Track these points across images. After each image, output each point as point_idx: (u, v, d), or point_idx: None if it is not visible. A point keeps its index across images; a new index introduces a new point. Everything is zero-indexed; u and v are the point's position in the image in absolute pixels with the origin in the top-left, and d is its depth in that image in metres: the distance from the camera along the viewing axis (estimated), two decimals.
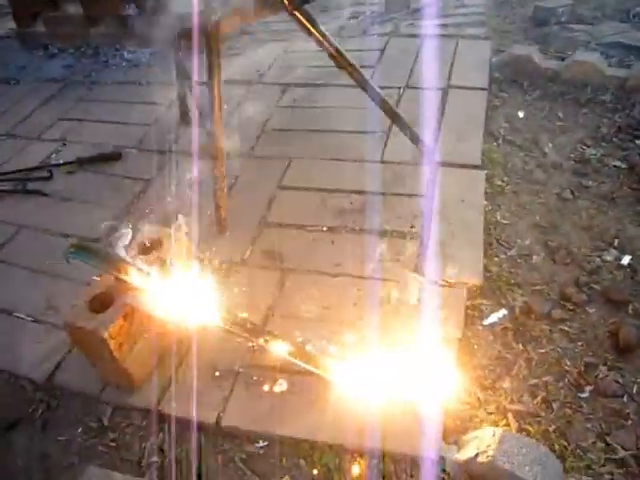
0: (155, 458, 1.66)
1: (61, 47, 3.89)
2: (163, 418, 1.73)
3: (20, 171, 2.74)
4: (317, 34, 2.00)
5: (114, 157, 2.76)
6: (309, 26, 1.96)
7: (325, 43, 2.04)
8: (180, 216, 1.97)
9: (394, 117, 2.32)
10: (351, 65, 2.14)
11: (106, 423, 1.75)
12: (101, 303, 1.69)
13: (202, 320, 1.69)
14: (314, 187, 2.42)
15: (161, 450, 1.68)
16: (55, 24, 3.81)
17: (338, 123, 2.78)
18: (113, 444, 1.70)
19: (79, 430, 1.75)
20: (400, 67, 3.07)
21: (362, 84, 2.22)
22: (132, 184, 2.60)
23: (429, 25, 3.51)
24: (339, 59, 2.12)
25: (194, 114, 2.80)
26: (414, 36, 3.41)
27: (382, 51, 3.25)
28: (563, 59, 2.98)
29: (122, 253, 1.72)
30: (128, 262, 1.68)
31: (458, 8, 3.66)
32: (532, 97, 2.89)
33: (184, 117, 2.92)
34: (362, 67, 3.02)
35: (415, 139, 2.40)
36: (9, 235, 2.42)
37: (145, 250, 1.84)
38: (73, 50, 3.86)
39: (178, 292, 1.65)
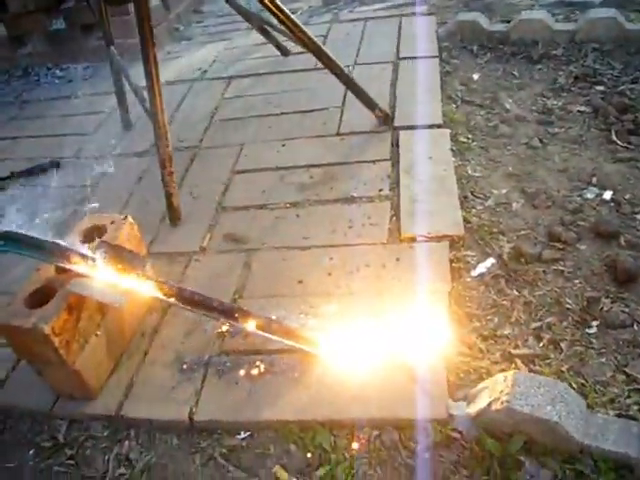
0: (122, 470, 1.43)
1: None
2: (127, 424, 1.50)
3: None
4: None
5: (51, 167, 2.54)
6: None
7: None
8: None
9: (348, 82, 2.19)
10: (294, 23, 1.98)
11: (61, 440, 1.51)
12: (41, 300, 1.47)
13: (156, 299, 1.50)
14: (270, 167, 2.25)
15: (128, 460, 1.45)
16: None
17: (287, 106, 2.63)
18: (71, 462, 1.47)
19: (30, 453, 1.51)
20: (346, 48, 2.95)
21: (307, 44, 2.07)
22: (73, 192, 2.39)
23: (369, 10, 3.43)
24: (280, 15, 1.95)
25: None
26: (355, 20, 3.32)
27: (325, 37, 3.14)
28: (509, 22, 2.93)
29: (60, 240, 1.52)
30: (68, 248, 1.48)
31: None
32: (484, 60, 2.81)
33: (125, 121, 2.75)
34: (307, 53, 2.96)
35: (371, 105, 2.28)
36: None
37: (87, 237, 1.63)
38: (1, 74, 3.64)
39: (126, 276, 1.45)
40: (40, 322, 1.36)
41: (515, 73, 2.69)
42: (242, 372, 1.52)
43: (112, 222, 1.67)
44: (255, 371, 1.51)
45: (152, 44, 1.74)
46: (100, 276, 1.44)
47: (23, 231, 1.49)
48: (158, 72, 1.83)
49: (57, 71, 3.57)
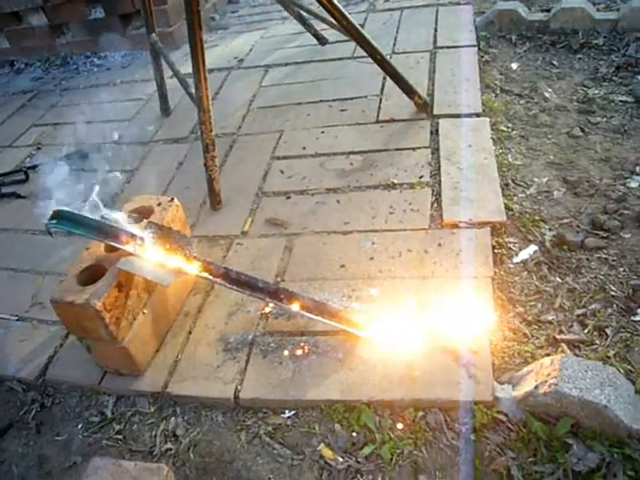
0: (169, 445, 1.46)
1: (28, 61, 3.76)
2: (173, 401, 1.53)
3: None
4: None
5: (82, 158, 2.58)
6: None
7: None
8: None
9: (388, 70, 2.19)
10: (337, 10, 1.98)
11: (109, 415, 1.55)
12: (91, 277, 1.50)
13: (200, 280, 1.53)
14: (310, 154, 2.26)
15: (174, 436, 1.48)
16: (19, 38, 3.68)
17: (325, 94, 2.64)
18: (119, 436, 1.50)
19: (79, 426, 1.55)
20: (383, 37, 2.95)
21: (350, 30, 2.06)
22: (115, 176, 2.43)
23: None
24: (324, 1, 1.95)
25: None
26: (392, 10, 3.31)
27: (362, 26, 3.11)
28: (549, 11, 2.89)
29: (111, 219, 1.55)
30: (118, 227, 1.51)
31: None
32: (523, 50, 2.79)
33: (164, 107, 2.78)
34: (344, 42, 2.97)
35: (411, 93, 2.27)
36: None
37: (135, 217, 1.66)
38: (40, 62, 3.72)
39: (174, 256, 1.48)
40: (92, 298, 1.40)
41: (555, 62, 2.67)
42: (286, 352, 1.54)
43: (159, 203, 1.71)
44: (299, 351, 1.53)
45: (200, 27, 1.77)
46: (149, 256, 1.48)
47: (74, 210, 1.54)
48: (204, 56, 1.85)
49: (95, 59, 3.63)
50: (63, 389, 1.65)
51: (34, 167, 2.60)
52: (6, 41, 3.75)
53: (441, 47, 2.79)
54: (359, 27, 2.08)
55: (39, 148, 2.80)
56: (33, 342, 1.76)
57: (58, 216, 1.51)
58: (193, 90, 1.96)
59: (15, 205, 2.42)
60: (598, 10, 2.84)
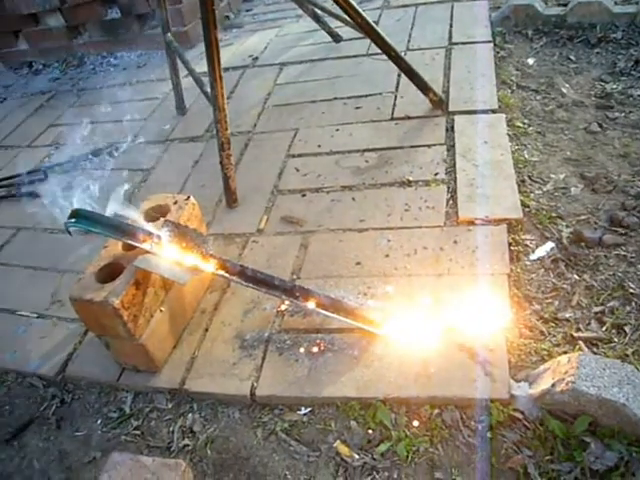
0: (186, 441, 1.48)
1: (45, 62, 3.81)
2: (190, 397, 1.55)
3: (13, 177, 2.60)
4: None
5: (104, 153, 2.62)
6: None
7: None
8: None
9: (403, 66, 2.18)
10: (351, 6, 1.98)
11: (127, 411, 1.57)
12: (109, 275, 1.52)
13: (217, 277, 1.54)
14: (325, 152, 2.27)
15: (192, 432, 1.49)
16: (37, 39, 3.73)
17: (340, 91, 2.64)
18: (137, 432, 1.52)
19: (98, 422, 1.57)
20: (397, 33, 2.94)
21: (364, 26, 2.06)
22: (132, 175, 2.46)
23: None
24: None
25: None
26: (406, 6, 3.30)
27: (376, 22, 3.12)
28: (566, 5, 2.86)
29: (129, 218, 1.57)
30: (135, 226, 1.53)
31: None
32: (539, 45, 2.76)
33: (179, 106, 2.81)
34: (358, 39, 2.97)
35: (426, 89, 2.26)
36: (7, 238, 2.29)
37: (151, 216, 1.68)
38: (58, 63, 3.77)
39: (191, 254, 1.49)
40: (111, 296, 1.41)
41: (572, 57, 2.64)
42: (302, 350, 1.55)
43: (175, 202, 1.72)
44: (315, 349, 1.54)
45: (214, 26, 1.78)
46: (165, 254, 1.49)
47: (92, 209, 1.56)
48: (219, 54, 1.86)
49: (112, 59, 3.67)
50: (82, 385, 1.68)
51: (53, 167, 2.64)
52: (25, 42, 3.80)
53: (456, 43, 2.77)
54: (373, 24, 2.07)
55: (57, 148, 2.83)
56: (53, 339, 1.79)
57: (76, 215, 1.53)
58: (208, 89, 1.97)
59: (34, 204, 2.45)
60: (616, 3, 2.80)
